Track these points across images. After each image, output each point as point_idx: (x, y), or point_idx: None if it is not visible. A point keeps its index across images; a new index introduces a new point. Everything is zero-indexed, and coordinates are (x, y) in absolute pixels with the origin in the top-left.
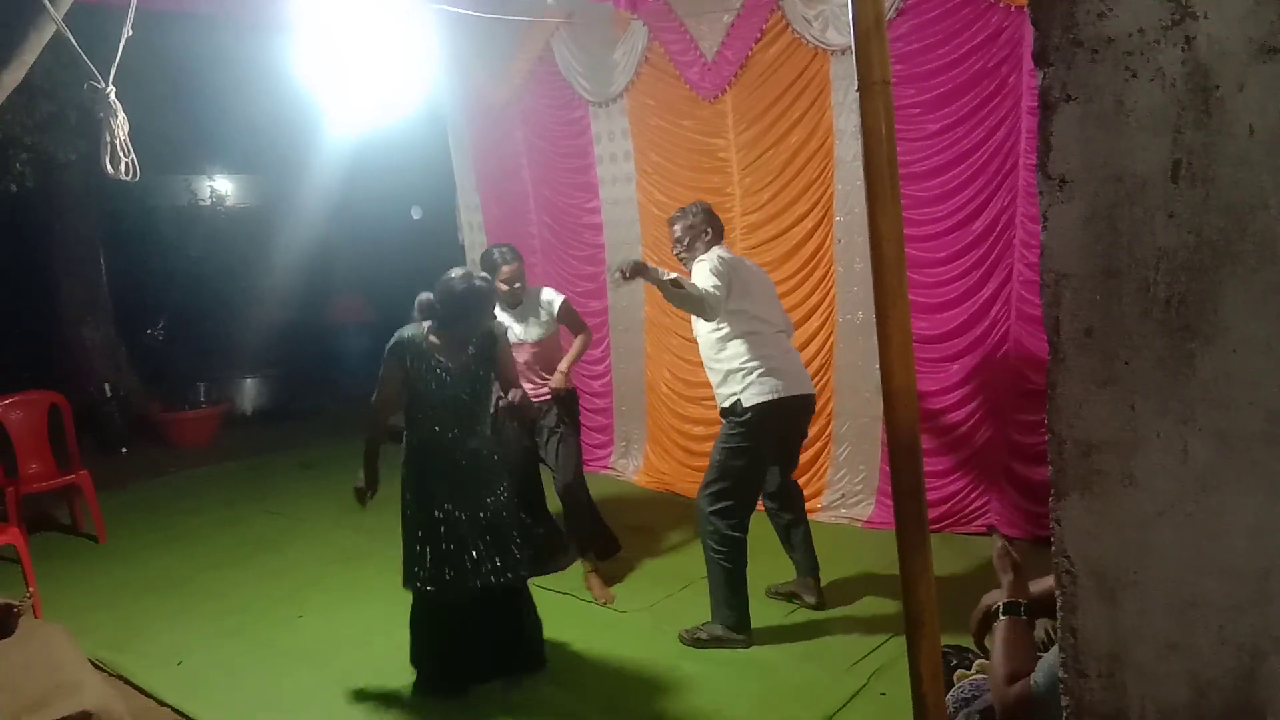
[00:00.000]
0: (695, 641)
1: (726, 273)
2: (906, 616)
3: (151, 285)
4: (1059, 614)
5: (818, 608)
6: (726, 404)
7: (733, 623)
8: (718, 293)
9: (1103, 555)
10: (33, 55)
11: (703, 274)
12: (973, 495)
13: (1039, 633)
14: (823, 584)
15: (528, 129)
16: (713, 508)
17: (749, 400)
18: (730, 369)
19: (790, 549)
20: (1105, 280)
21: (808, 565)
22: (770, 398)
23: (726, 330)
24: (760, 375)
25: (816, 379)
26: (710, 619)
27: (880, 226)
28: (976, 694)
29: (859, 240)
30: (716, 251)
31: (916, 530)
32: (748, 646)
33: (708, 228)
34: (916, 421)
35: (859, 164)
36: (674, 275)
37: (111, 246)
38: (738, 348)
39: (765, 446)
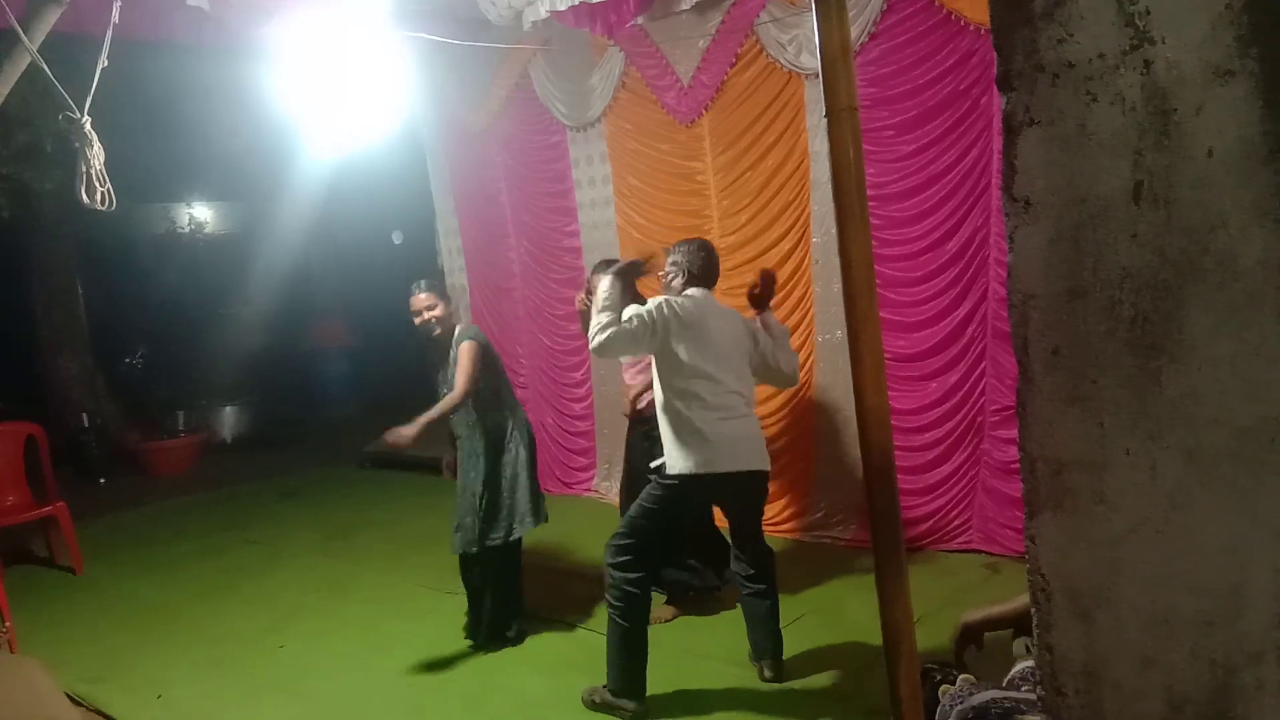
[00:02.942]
0: (591, 704)
1: (660, 320)
2: (885, 637)
3: (130, 314)
4: (1035, 632)
5: (773, 680)
6: (655, 463)
7: (624, 689)
8: (621, 328)
9: (1076, 573)
10: (7, 86)
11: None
12: (954, 512)
13: (1018, 648)
14: (810, 602)
15: (506, 153)
16: (614, 560)
17: (673, 467)
18: (666, 425)
19: (751, 625)
20: (1071, 300)
21: (769, 644)
22: (696, 471)
23: (666, 386)
24: (693, 444)
25: (795, 398)
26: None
27: (850, 250)
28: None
29: (835, 261)
30: (682, 296)
31: (892, 551)
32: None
33: (689, 268)
34: (890, 442)
35: None
36: (608, 296)
37: (89, 275)
38: (674, 407)
39: (686, 515)
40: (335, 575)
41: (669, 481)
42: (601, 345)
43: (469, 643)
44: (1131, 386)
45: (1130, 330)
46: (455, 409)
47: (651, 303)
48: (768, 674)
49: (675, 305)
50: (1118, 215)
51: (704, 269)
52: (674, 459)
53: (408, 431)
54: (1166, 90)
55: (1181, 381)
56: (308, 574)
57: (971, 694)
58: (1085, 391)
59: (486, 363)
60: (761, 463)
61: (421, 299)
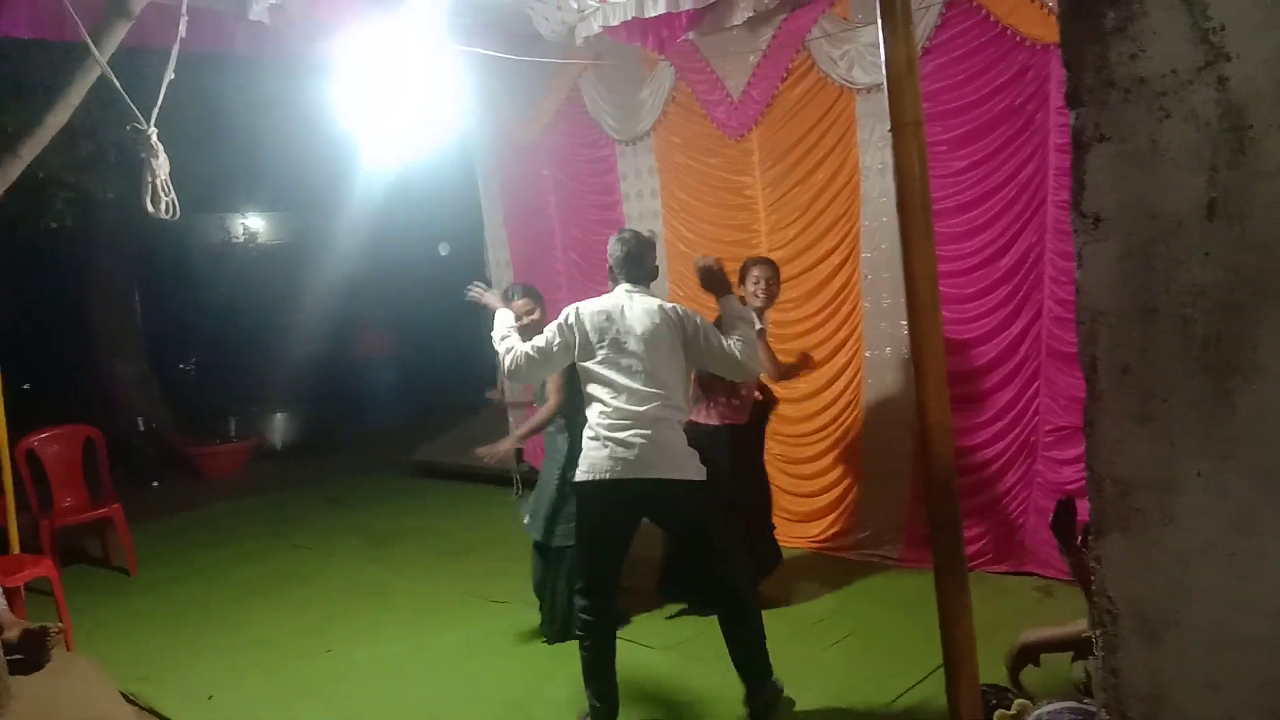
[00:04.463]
0: None
1: (561, 335)
2: (945, 656)
3: (184, 321)
4: (1099, 654)
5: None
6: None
7: (592, 712)
8: (527, 354)
9: (1143, 595)
10: (78, 97)
11: None
12: (1005, 534)
13: (1077, 672)
14: (856, 622)
15: (555, 166)
16: (576, 586)
17: (575, 475)
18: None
19: (733, 658)
20: (1142, 318)
21: (750, 671)
22: (588, 477)
23: (583, 392)
24: (590, 450)
25: (844, 415)
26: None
27: (915, 265)
28: None
29: (885, 276)
30: (597, 298)
31: (954, 569)
32: None
33: (620, 265)
34: (953, 458)
35: (885, 200)
36: (504, 326)
37: (146, 283)
38: (586, 412)
39: (598, 528)
40: (379, 581)
41: (576, 489)
42: (511, 373)
43: (537, 635)
44: (1203, 406)
45: (1202, 349)
46: (549, 421)
47: (561, 316)
48: (748, 710)
49: (574, 313)
50: (1190, 232)
51: (623, 263)
52: (579, 466)
53: (501, 447)
54: (1241, 107)
55: (1254, 402)
56: (352, 580)
57: (1050, 703)
58: (1155, 411)
59: (570, 375)
60: (669, 471)
61: (519, 305)
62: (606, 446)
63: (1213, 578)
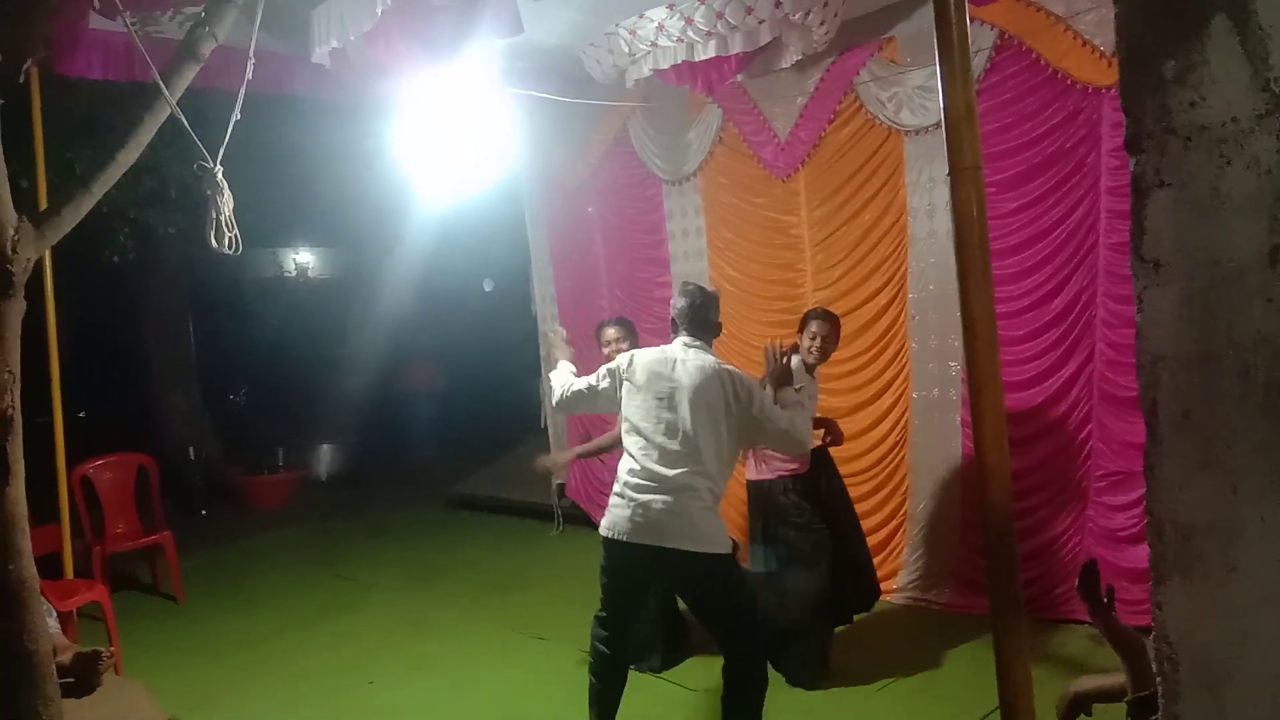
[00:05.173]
0: None
1: (608, 378)
2: (1002, 700)
3: (236, 352)
4: (1160, 703)
5: None
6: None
7: None
8: (576, 389)
9: (1205, 642)
10: (148, 136)
11: None
12: (1056, 580)
13: None
14: (902, 667)
15: (602, 205)
16: (597, 613)
17: (600, 527)
18: None
19: None
20: (1203, 363)
21: None
22: (608, 534)
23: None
24: (613, 503)
25: (890, 457)
26: None
27: (973, 308)
28: None
29: (933, 318)
30: (651, 349)
31: (1011, 612)
32: None
33: (681, 317)
34: (1010, 501)
35: (933, 242)
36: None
37: (200, 315)
38: (620, 464)
39: (615, 580)
40: (421, 614)
41: (602, 539)
42: (558, 404)
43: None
44: (1266, 453)
45: (1265, 395)
46: (610, 447)
47: (616, 361)
48: None
49: (627, 361)
50: (1252, 279)
51: (684, 315)
52: (604, 517)
53: (558, 460)
54: None
55: None
56: (395, 612)
57: None
58: (1217, 456)
59: None
60: (685, 541)
61: (610, 333)
62: (628, 507)
63: (1276, 626)
